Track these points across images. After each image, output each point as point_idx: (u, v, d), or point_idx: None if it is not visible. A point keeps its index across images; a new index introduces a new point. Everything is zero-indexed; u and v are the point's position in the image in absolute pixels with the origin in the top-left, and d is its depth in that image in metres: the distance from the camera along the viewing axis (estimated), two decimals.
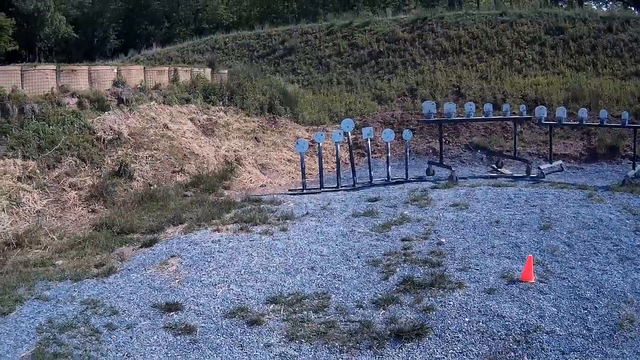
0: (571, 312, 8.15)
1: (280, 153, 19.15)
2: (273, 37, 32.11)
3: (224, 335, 7.69)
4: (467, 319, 8.01)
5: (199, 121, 19.15)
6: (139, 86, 18.83)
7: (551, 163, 18.30)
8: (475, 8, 41.62)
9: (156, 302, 8.69)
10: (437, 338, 7.54)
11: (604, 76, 24.44)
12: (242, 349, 7.32)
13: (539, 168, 17.39)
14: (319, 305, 8.40)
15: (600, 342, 7.36)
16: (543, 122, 18.51)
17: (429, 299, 8.56)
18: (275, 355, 7.19)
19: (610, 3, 56.65)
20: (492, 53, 27.21)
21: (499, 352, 7.24)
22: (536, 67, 25.97)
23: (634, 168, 16.97)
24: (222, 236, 11.71)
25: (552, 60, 26.33)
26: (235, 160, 17.60)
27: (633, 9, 46.55)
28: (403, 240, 11.16)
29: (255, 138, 19.54)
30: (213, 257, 10.48)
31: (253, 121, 20.75)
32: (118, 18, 54.65)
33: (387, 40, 29.18)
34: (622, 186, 15.74)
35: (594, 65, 25.51)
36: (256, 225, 12.32)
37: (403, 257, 10.25)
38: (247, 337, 7.63)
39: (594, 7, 53.15)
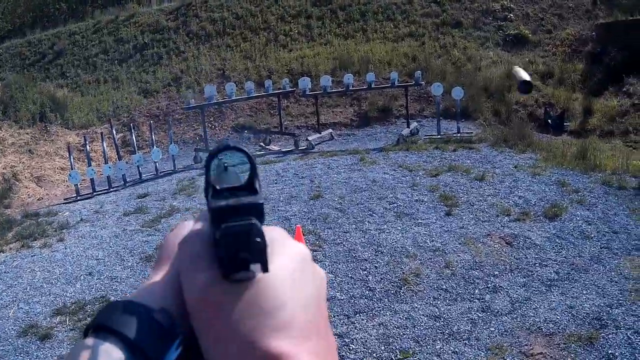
0: (350, 275, 8.60)
1: (53, 162, 18.82)
2: (43, 42, 31.05)
3: (21, 355, 7.90)
4: None
5: None
6: None
7: (320, 133, 18.63)
8: None
9: None
10: None
11: (374, 41, 25.06)
12: None
13: (307, 140, 17.71)
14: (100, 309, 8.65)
15: (386, 299, 7.88)
16: (308, 93, 18.84)
17: None
18: None
19: None
20: (256, 31, 27.31)
21: None
22: (302, 41, 26.20)
23: (408, 126, 17.63)
24: (6, 256, 11.64)
25: (319, 31, 26.66)
26: (13, 176, 17.29)
27: None
28: None
29: (29, 150, 19.12)
30: (1, 279, 10.48)
31: (26, 133, 20.24)
32: None
33: (151, 31, 28.83)
34: (397, 145, 16.24)
35: (363, 31, 26.06)
36: (35, 240, 12.28)
37: None
38: (41, 352, 7.88)
39: None
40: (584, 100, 19.93)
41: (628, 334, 6.87)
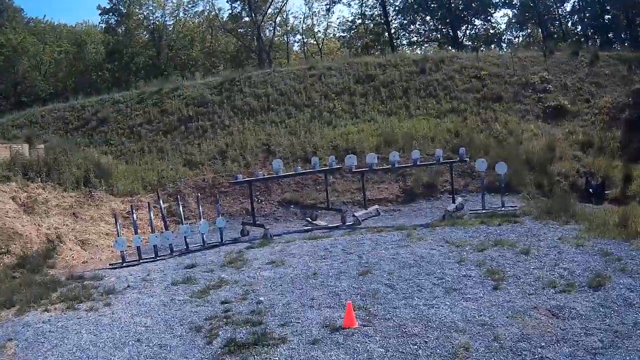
0: (400, 349, 8.46)
1: (98, 227, 19.01)
2: (87, 109, 31.48)
3: None
4: None
5: (20, 199, 18.86)
6: None
7: (366, 209, 18.63)
8: (285, 65, 42.39)
9: None
10: None
11: (417, 117, 25.46)
12: None
13: (354, 215, 17.72)
14: None
15: None
16: (353, 170, 18.94)
17: (254, 358, 8.72)
18: None
19: (426, 46, 58.62)
20: (300, 108, 27.82)
21: None
22: (346, 117, 26.62)
23: (454, 202, 17.74)
24: (51, 316, 11.62)
25: (362, 108, 27.16)
26: (57, 237, 17.39)
27: (450, 48, 48.23)
28: (223, 303, 11.31)
29: (74, 214, 19.33)
30: (46, 338, 10.43)
31: (70, 196, 20.48)
32: None
33: (195, 104, 29.32)
34: (443, 221, 16.26)
35: (406, 107, 26.62)
36: (81, 302, 12.29)
37: (224, 319, 10.40)
38: None
39: (408, 51, 54.83)
40: (624, 167, 20.01)
41: None
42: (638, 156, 20.51)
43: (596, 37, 50.28)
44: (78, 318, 11.41)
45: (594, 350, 7.98)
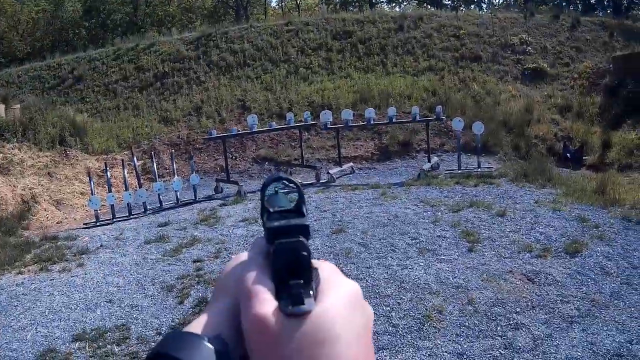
0: (373, 311, 8.39)
1: (73, 186, 18.82)
2: (63, 67, 31.01)
3: None
4: None
5: None
6: None
7: (341, 166, 18.60)
8: (262, 20, 42.15)
9: None
10: None
11: (394, 75, 25.34)
12: None
13: (329, 173, 17.67)
14: (121, 337, 8.58)
15: (409, 336, 7.72)
16: (329, 126, 18.79)
17: None
18: None
19: (405, 4, 58.49)
20: (277, 63, 27.57)
21: None
22: (322, 73, 26.44)
23: (429, 161, 17.69)
24: (25, 278, 11.55)
25: (339, 64, 26.98)
26: (32, 198, 17.28)
27: (429, 6, 48.10)
28: (195, 262, 11.25)
29: (49, 173, 19.09)
30: (19, 301, 10.38)
31: (46, 156, 20.21)
32: None
33: (172, 60, 28.98)
34: (418, 180, 16.19)
35: (383, 65, 26.49)
36: (55, 263, 12.21)
37: (196, 278, 10.38)
38: None
39: (386, 9, 54.67)
40: (603, 133, 20.14)
41: None
42: (617, 123, 20.58)
43: (578, 1, 50.34)
44: (51, 280, 11.35)
45: (570, 318, 8.01)
